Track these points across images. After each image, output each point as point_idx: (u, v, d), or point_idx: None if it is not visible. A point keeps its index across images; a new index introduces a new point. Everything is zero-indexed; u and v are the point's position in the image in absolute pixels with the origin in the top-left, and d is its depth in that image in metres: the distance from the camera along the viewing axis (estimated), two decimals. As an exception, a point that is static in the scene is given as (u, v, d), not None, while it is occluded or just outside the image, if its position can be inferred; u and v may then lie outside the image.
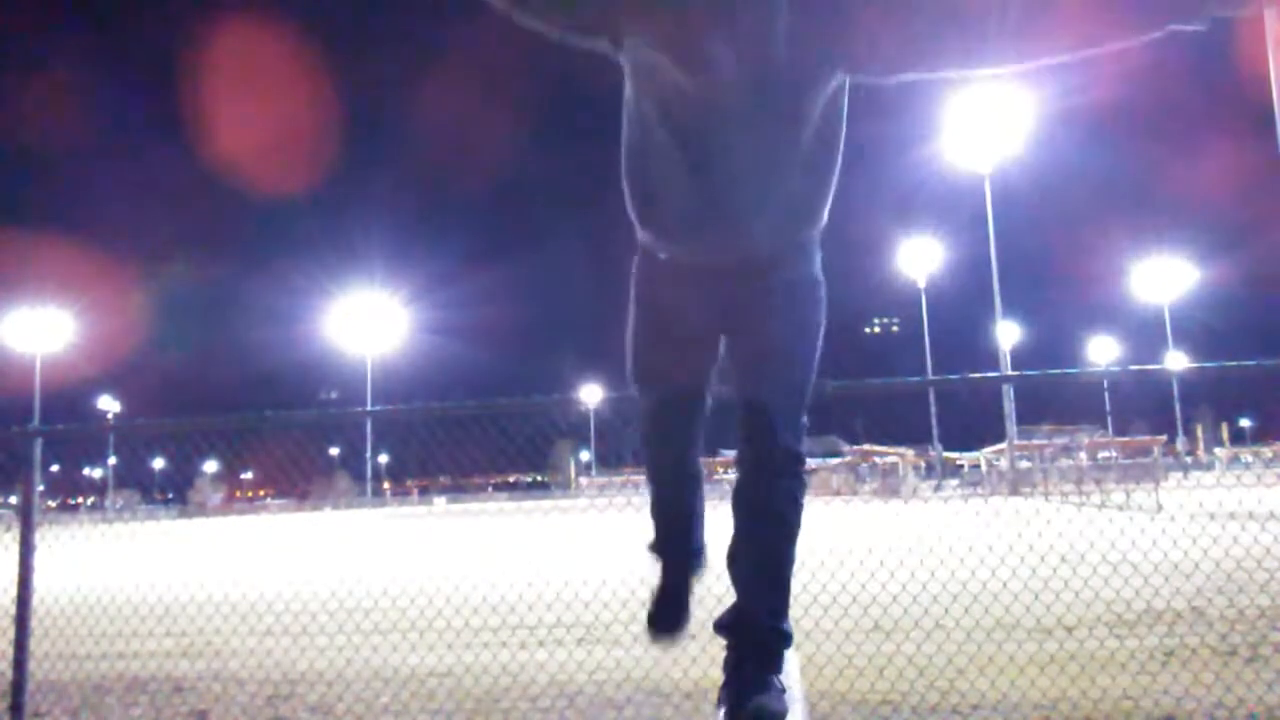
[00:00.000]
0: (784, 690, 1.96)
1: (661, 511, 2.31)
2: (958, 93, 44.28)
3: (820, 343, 2.10)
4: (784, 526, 2.01)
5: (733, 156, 1.92)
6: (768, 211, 1.96)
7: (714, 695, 2.02)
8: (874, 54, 1.94)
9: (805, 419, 2.06)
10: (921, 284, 57.72)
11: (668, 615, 2.27)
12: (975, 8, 1.89)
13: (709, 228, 1.97)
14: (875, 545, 7.20)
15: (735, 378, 2.11)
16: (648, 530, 2.35)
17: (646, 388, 2.20)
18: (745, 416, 2.03)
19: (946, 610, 5.37)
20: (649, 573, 2.35)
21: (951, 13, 1.90)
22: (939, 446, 47.85)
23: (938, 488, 40.23)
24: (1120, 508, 19.22)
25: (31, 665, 4.17)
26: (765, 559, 2.03)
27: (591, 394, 5.22)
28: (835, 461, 47.98)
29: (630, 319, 2.22)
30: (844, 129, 2.03)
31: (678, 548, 2.30)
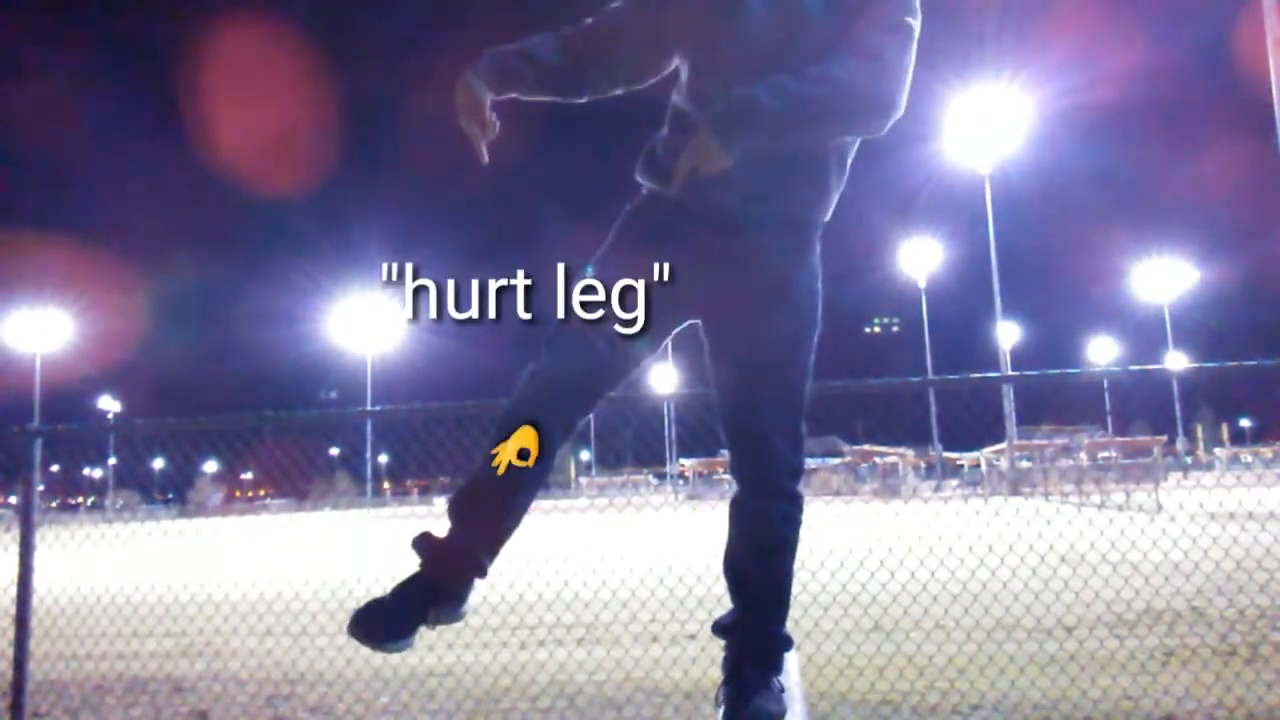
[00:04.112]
0: (783, 691, 1.96)
1: (484, 490, 1.82)
2: (958, 93, 44.35)
3: (814, 341, 2.00)
4: (782, 544, 1.99)
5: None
6: (761, 158, 1.89)
7: (714, 695, 2.02)
8: None
9: (804, 427, 1.98)
10: (921, 284, 57.74)
11: (396, 609, 1.75)
12: None
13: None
14: (875, 545, 7.19)
15: (721, 385, 2.00)
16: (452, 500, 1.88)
17: (567, 337, 1.86)
18: (736, 431, 1.97)
19: (946, 610, 5.37)
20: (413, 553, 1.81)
21: None
22: (939, 446, 47.83)
23: (938, 488, 40.20)
24: (1120, 508, 19.22)
25: (31, 665, 4.17)
26: (763, 575, 2.02)
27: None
28: (835, 461, 47.96)
29: (602, 249, 2.02)
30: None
31: (472, 534, 1.81)
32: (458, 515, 1.83)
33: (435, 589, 1.78)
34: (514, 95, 2.05)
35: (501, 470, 1.79)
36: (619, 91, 2.12)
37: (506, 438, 1.80)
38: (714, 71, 1.95)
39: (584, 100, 2.12)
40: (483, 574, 1.81)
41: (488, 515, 1.82)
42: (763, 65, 1.88)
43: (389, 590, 1.78)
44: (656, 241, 1.91)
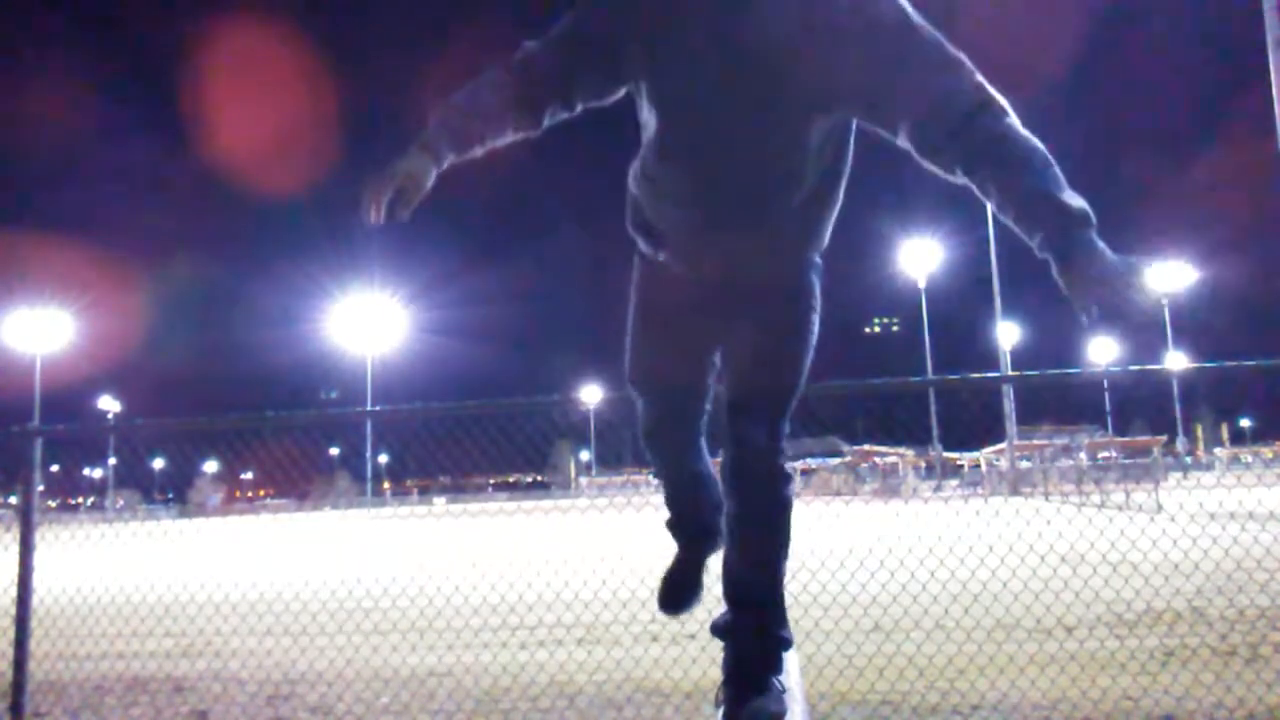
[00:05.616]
0: (783, 691, 1.96)
1: (672, 502, 2.37)
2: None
3: (810, 354, 2.07)
4: (771, 534, 2.01)
5: (726, 179, 1.88)
6: (761, 234, 1.95)
7: (714, 695, 2.02)
8: (869, 115, 1.84)
9: (787, 426, 2.04)
10: (921, 284, 57.67)
11: (676, 590, 2.32)
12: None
13: (704, 248, 2.00)
14: (875, 545, 7.19)
15: (724, 381, 2.12)
16: (664, 510, 2.43)
17: (642, 392, 2.24)
18: (726, 420, 2.04)
19: (946, 610, 5.37)
20: (669, 546, 2.42)
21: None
22: (939, 446, 47.80)
23: (938, 488, 40.20)
24: (1120, 508, 19.22)
25: (31, 665, 4.17)
26: (757, 574, 2.03)
27: (591, 394, 5.21)
28: (835, 461, 47.97)
29: (629, 321, 2.25)
30: (849, 156, 1.98)
31: (692, 529, 2.35)
32: (669, 506, 2.39)
33: (697, 549, 2.35)
34: (471, 156, 1.94)
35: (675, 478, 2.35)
36: (578, 111, 2.01)
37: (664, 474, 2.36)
38: (679, 106, 1.87)
39: (541, 130, 2.00)
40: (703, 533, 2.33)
41: (682, 504, 2.37)
42: (730, 96, 1.80)
43: (668, 568, 2.37)
44: (669, 311, 2.15)
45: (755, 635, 2.01)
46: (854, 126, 1.95)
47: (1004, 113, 1.73)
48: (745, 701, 1.90)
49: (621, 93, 1.98)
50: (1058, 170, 1.68)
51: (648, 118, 1.95)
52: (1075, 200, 1.64)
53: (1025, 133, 1.71)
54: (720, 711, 1.93)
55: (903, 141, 1.79)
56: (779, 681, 1.97)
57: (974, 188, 1.76)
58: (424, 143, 1.87)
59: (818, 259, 2.11)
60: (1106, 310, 1.58)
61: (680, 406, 2.22)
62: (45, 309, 56.65)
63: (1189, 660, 4.75)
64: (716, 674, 2.03)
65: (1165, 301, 65.66)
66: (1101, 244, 1.60)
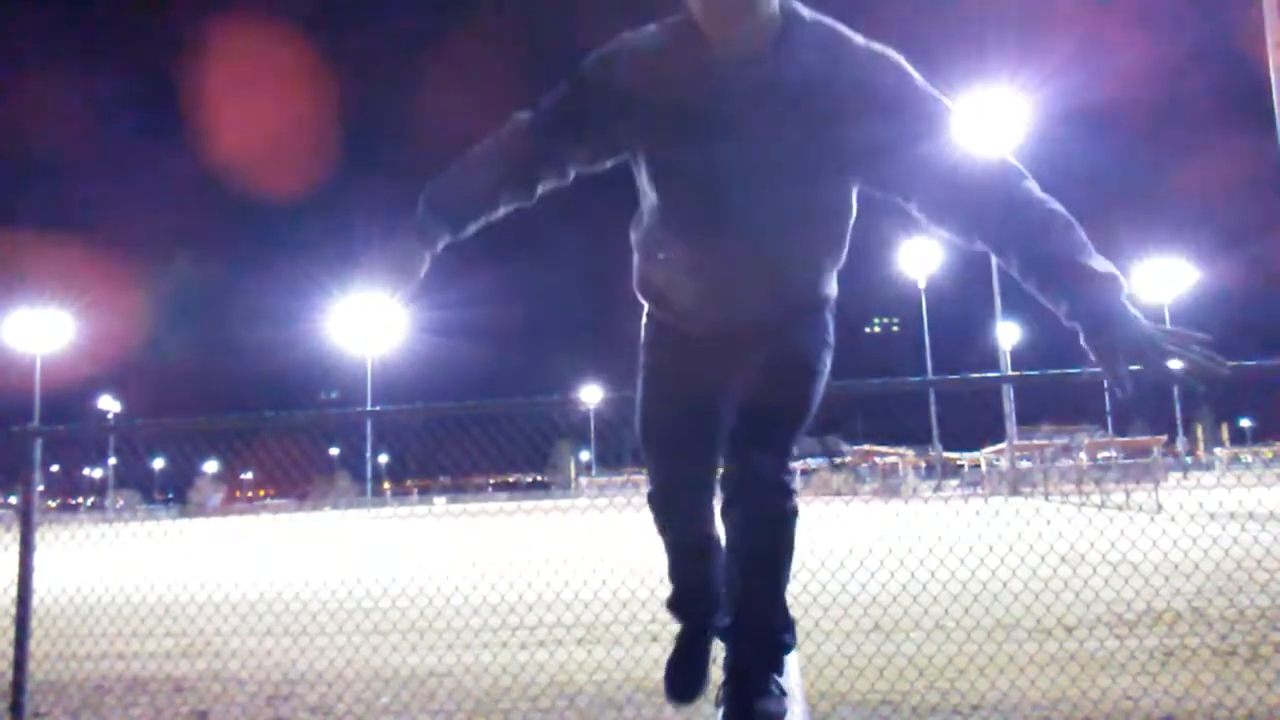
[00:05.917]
0: (784, 692, 1.96)
1: (676, 572, 2.30)
2: (956, 93, 44.31)
3: (822, 386, 2.06)
4: (775, 543, 2.00)
5: (734, 248, 1.88)
6: (771, 295, 1.97)
7: (714, 695, 2.02)
8: (877, 180, 1.83)
9: (795, 447, 2.04)
10: (921, 284, 57.68)
11: (684, 677, 2.23)
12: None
13: (714, 312, 2.01)
14: (875, 545, 7.20)
15: (733, 402, 2.09)
16: (667, 588, 2.36)
17: (653, 453, 2.18)
18: (732, 432, 2.03)
19: (946, 610, 5.37)
20: (671, 629, 2.35)
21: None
22: (939, 446, 47.82)
23: (938, 488, 40.21)
24: (1120, 508, 19.21)
25: (31, 665, 4.17)
26: (759, 575, 2.03)
27: (591, 394, 5.21)
28: (835, 461, 47.97)
29: (639, 383, 2.22)
30: (852, 213, 1.98)
31: (695, 609, 2.28)
32: (673, 580, 2.32)
33: (703, 626, 2.27)
34: (466, 234, 1.95)
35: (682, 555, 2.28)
36: (571, 179, 2.00)
37: (671, 536, 2.26)
38: (684, 178, 1.84)
39: (535, 200, 2.00)
40: (710, 610, 2.27)
41: (688, 575, 2.30)
42: (735, 168, 1.78)
43: (672, 654, 2.29)
44: (682, 368, 2.11)
45: (757, 636, 2.01)
46: (856, 191, 1.95)
47: (1020, 177, 1.67)
48: (746, 702, 1.90)
49: (615, 162, 1.96)
50: (1081, 233, 1.61)
51: (647, 187, 1.93)
52: (1102, 265, 1.57)
53: (1043, 196, 1.66)
54: (720, 711, 1.93)
55: (914, 211, 1.76)
56: (779, 682, 1.97)
57: (992, 254, 1.71)
58: (419, 226, 1.87)
59: (831, 299, 2.11)
60: (1141, 379, 1.51)
61: (692, 467, 2.16)
62: (45, 309, 56.70)
63: (1189, 660, 4.74)
64: (717, 674, 2.03)
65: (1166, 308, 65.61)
66: (1133, 310, 1.53)
